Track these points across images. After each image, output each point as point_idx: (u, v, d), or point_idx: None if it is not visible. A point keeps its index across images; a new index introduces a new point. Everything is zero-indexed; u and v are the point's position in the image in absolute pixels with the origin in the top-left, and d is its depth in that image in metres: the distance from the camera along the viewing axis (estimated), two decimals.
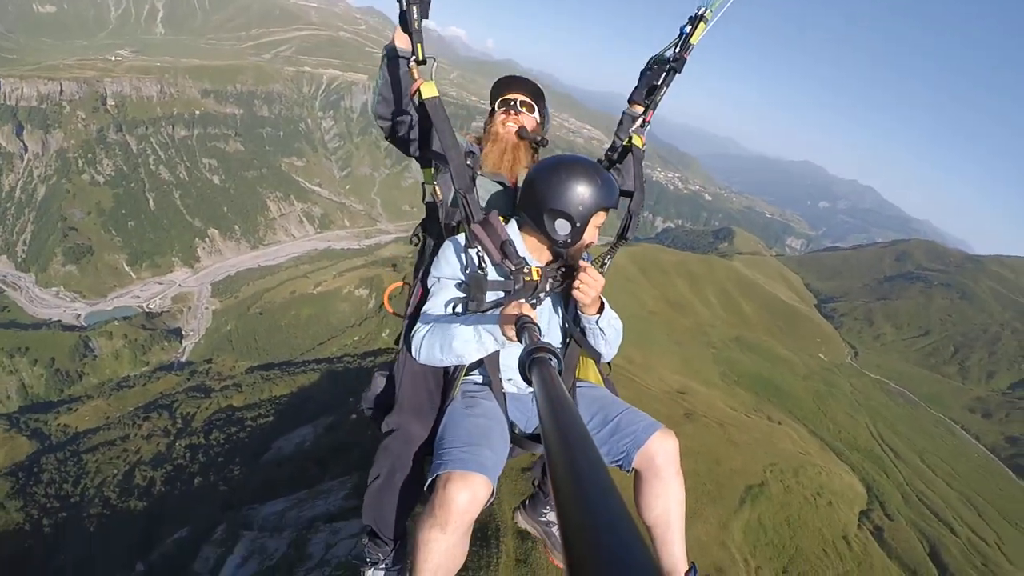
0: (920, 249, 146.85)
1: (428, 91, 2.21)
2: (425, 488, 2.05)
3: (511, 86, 2.69)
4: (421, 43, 2.14)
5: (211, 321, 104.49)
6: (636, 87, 2.88)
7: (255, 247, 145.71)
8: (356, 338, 78.43)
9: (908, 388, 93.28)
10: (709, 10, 2.60)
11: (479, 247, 2.23)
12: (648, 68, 2.84)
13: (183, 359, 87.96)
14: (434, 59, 2.21)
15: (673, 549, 2.28)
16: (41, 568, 31.55)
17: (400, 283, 2.96)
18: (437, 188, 2.50)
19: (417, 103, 2.28)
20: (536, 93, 2.71)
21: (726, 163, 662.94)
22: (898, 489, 56.66)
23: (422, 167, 2.56)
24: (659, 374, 52.96)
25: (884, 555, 40.23)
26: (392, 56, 2.32)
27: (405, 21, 2.16)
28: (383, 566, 2.55)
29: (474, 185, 2.35)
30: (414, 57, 2.17)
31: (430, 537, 1.95)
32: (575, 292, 2.31)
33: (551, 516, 3.06)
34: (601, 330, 2.43)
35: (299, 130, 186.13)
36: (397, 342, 2.70)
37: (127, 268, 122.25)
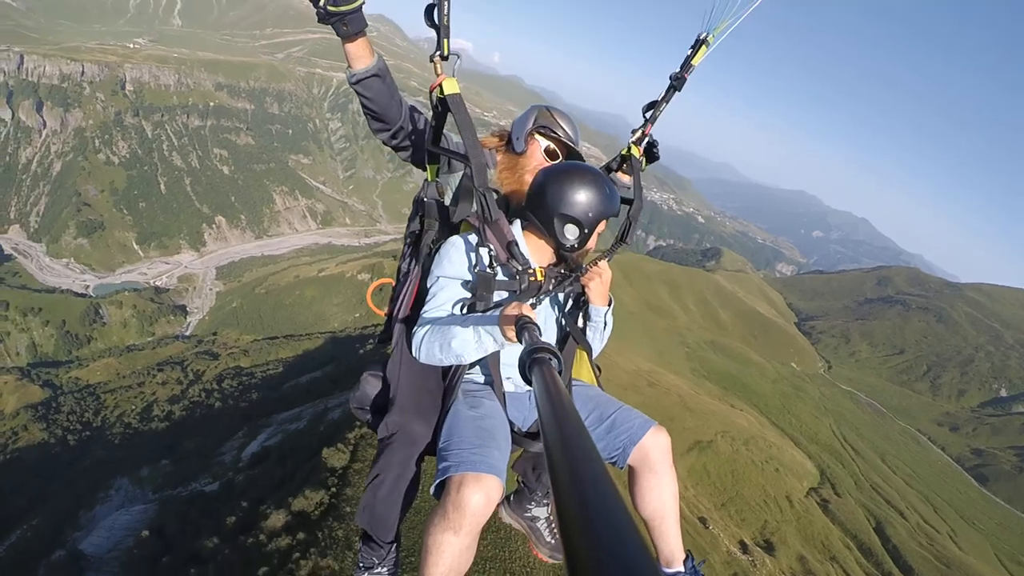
0: (902, 276, 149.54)
1: (450, 87, 2.14)
2: (432, 491, 2.05)
3: (562, 128, 2.67)
4: (448, 38, 2.02)
5: (215, 301, 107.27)
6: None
7: (259, 236, 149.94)
8: (357, 315, 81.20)
9: (878, 400, 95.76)
10: (711, 35, 2.65)
11: (490, 246, 2.24)
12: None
13: (187, 333, 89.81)
14: (457, 56, 2.10)
15: (670, 540, 2.33)
16: (68, 466, 34.50)
17: (387, 280, 2.87)
18: (440, 185, 2.52)
19: (435, 100, 2.20)
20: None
21: (722, 188, 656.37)
22: (852, 477, 59.44)
23: (428, 163, 2.48)
24: (629, 358, 55.52)
25: (827, 520, 43.92)
26: (360, 80, 2.20)
27: (433, 14, 1.99)
28: (378, 570, 2.51)
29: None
30: (439, 52, 2.05)
31: (443, 540, 1.92)
32: (588, 284, 2.45)
33: (535, 511, 3.08)
34: (605, 323, 2.58)
35: (307, 129, 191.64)
36: (379, 341, 2.76)
37: (136, 246, 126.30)
